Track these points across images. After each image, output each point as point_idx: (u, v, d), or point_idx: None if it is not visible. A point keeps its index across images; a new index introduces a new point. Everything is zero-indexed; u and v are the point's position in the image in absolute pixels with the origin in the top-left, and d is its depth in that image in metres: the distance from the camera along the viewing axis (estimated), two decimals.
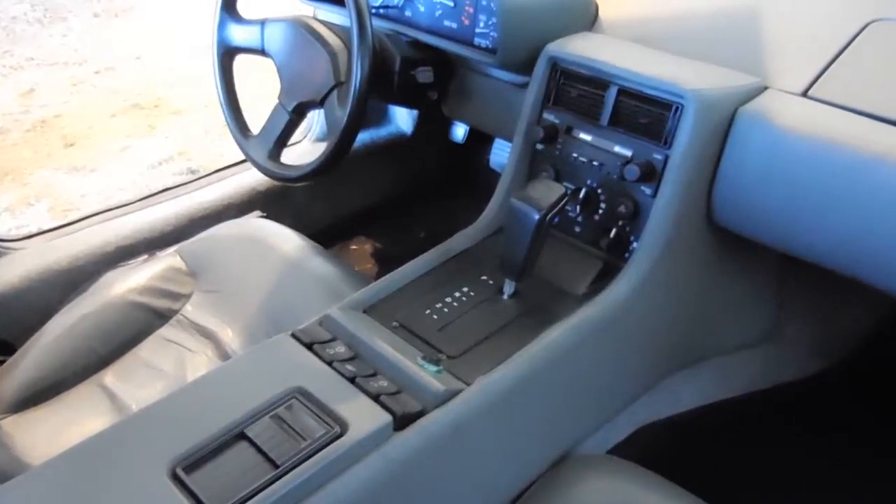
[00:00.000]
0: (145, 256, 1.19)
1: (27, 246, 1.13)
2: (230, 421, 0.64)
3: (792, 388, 1.09)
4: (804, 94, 0.81)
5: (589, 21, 0.98)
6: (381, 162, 1.50)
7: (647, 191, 0.83)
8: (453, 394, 0.69)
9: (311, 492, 0.60)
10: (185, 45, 2.54)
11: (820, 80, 0.81)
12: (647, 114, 0.83)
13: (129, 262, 1.18)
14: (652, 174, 0.83)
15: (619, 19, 0.98)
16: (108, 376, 0.99)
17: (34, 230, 1.19)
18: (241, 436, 0.63)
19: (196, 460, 0.61)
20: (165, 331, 1.05)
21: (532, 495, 0.78)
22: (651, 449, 0.93)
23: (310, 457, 0.61)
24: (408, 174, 1.55)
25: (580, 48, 0.89)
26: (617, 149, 0.86)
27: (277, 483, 0.59)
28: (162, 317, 1.06)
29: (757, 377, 1.07)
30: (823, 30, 0.84)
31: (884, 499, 1.00)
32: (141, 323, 1.05)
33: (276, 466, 0.60)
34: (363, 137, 1.47)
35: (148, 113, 2.33)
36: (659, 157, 0.82)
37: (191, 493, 0.58)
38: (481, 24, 0.96)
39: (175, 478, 0.59)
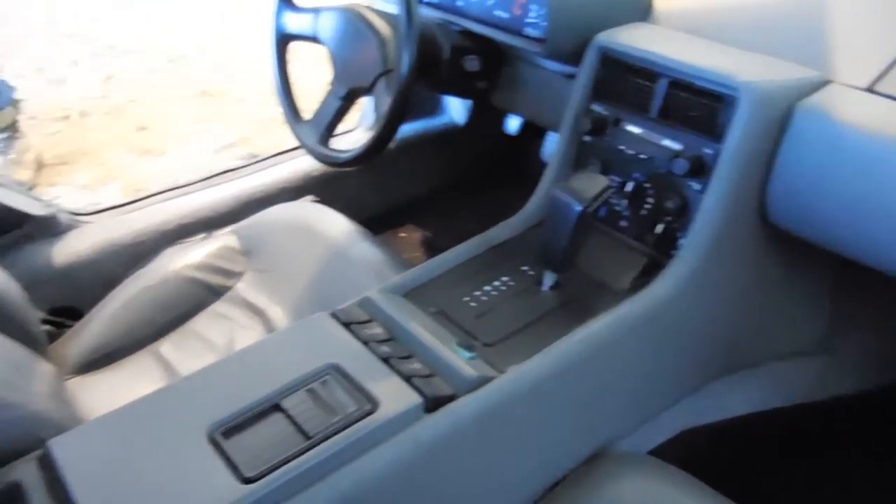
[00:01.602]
0: (203, 235, 1.24)
1: (97, 220, 1.20)
2: (267, 392, 0.67)
3: (847, 402, 1.05)
4: (869, 88, 0.77)
5: (642, 12, 0.96)
6: (434, 152, 1.51)
7: (697, 186, 0.82)
8: (485, 380, 0.70)
9: (339, 465, 0.61)
10: (256, 34, 2.61)
11: (888, 75, 0.77)
12: (699, 106, 0.81)
13: (188, 239, 1.23)
14: (702, 169, 0.81)
15: (675, 10, 0.96)
16: (164, 346, 1.04)
17: (104, 206, 1.26)
18: (277, 407, 0.65)
19: (233, 426, 0.64)
20: (218, 306, 1.09)
21: (565, 489, 0.77)
22: (693, 454, 0.91)
23: (340, 431, 0.63)
24: (459, 165, 1.56)
25: (631, 38, 0.88)
26: (666, 142, 0.84)
27: (308, 453, 0.61)
28: (216, 293, 1.11)
29: (810, 388, 1.03)
30: (891, 21, 0.80)
31: None
32: (196, 297, 1.10)
33: (308, 438, 0.62)
34: (416, 127, 1.49)
35: (214, 100, 2.41)
36: (710, 151, 0.80)
37: (226, 457, 0.61)
38: (532, 14, 0.95)
39: (213, 441, 0.62)
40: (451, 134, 1.51)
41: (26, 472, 0.62)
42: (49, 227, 1.13)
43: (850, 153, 0.73)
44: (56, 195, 1.90)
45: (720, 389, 0.95)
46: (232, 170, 1.36)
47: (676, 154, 0.83)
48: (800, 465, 1.02)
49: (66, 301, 1.14)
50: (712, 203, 0.79)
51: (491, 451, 0.71)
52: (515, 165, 1.58)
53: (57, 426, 0.70)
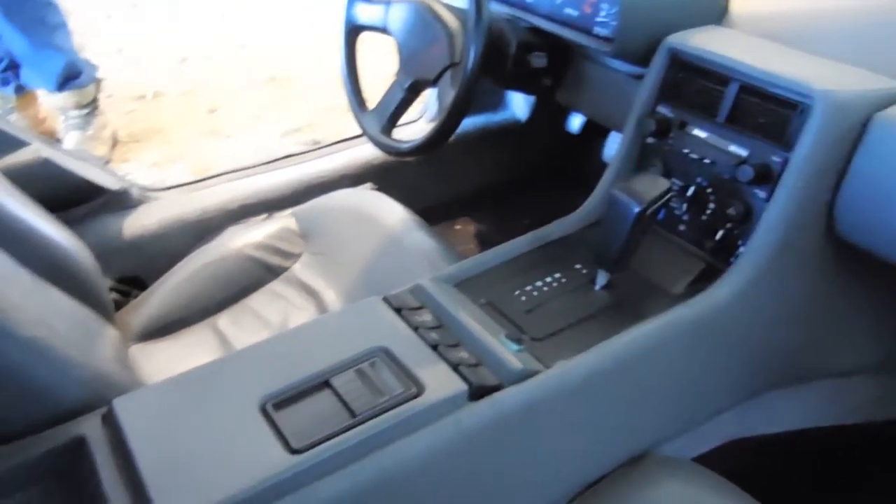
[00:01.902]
0: (264, 216, 1.28)
1: (166, 196, 1.25)
2: (318, 369, 0.69)
3: None
4: None
5: (717, 15, 0.94)
6: (493, 147, 1.52)
7: (762, 194, 0.80)
8: (531, 374, 0.70)
9: (383, 444, 0.63)
10: (327, 25, 2.67)
11: None
12: (769, 113, 0.79)
13: (250, 219, 1.27)
14: (768, 177, 0.79)
15: (752, 14, 0.94)
16: (222, 320, 1.08)
17: (172, 183, 1.31)
18: (326, 384, 0.67)
19: (284, 399, 0.66)
20: (275, 285, 1.12)
21: (603, 489, 0.77)
22: (740, 465, 0.88)
23: (386, 411, 0.64)
24: (518, 161, 1.56)
25: (702, 41, 0.86)
26: (732, 148, 0.83)
27: (353, 430, 0.62)
28: (273, 272, 1.14)
29: (869, 407, 0.99)
30: None
31: None
32: (254, 276, 1.13)
33: (354, 416, 0.64)
34: (477, 121, 1.49)
35: (282, 86, 2.47)
36: (777, 159, 0.78)
37: (276, 428, 0.63)
38: (602, 13, 0.95)
39: (264, 412, 0.64)
40: (512, 130, 1.51)
41: (91, 428, 0.65)
42: (122, 201, 1.19)
43: None
44: (128, 171, 1.98)
45: (773, 401, 0.93)
46: (295, 154, 1.40)
47: (742, 160, 0.81)
48: (850, 488, 0.99)
49: (133, 271, 1.19)
50: (777, 212, 0.77)
51: (531, 444, 0.72)
52: (575, 165, 1.57)
53: (120, 387, 0.74)
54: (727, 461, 0.90)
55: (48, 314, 0.74)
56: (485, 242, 1.51)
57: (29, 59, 1.96)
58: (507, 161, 1.56)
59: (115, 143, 2.15)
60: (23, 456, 0.62)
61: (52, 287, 0.86)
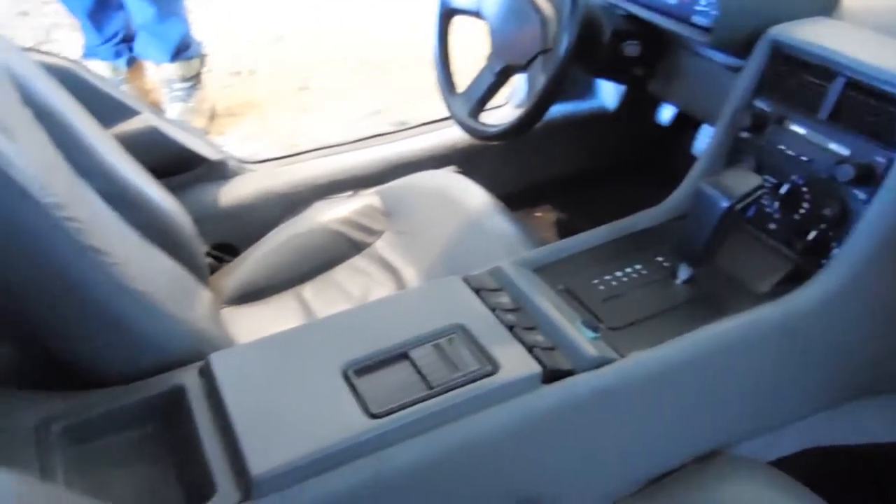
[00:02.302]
0: (350, 193, 1.32)
1: (259, 169, 1.31)
2: (398, 341, 0.71)
3: None
4: None
5: (826, 6, 0.90)
6: (580, 135, 1.50)
7: (861, 195, 0.77)
8: (605, 361, 0.70)
9: (456, 417, 0.65)
10: (420, 10, 2.70)
11: None
12: (876, 110, 0.76)
13: (337, 195, 1.32)
14: (870, 177, 0.76)
15: (866, 7, 0.89)
16: (306, 290, 1.13)
17: (265, 157, 1.37)
18: (405, 356, 0.70)
19: (364, 367, 0.69)
20: (357, 260, 1.16)
21: (671, 483, 0.77)
22: (819, 474, 0.86)
23: (460, 386, 0.66)
24: (604, 150, 1.54)
25: (809, 34, 0.83)
26: (833, 146, 0.80)
27: (429, 401, 0.65)
28: (356, 247, 1.18)
29: None
30: None
31: None
32: (338, 250, 1.18)
33: (431, 388, 0.66)
34: (564, 108, 1.48)
35: (373, 67, 2.52)
36: (881, 159, 0.75)
37: (357, 393, 0.66)
38: (702, 2, 0.92)
39: (346, 378, 0.68)
40: (599, 118, 1.49)
41: (189, 378, 0.70)
42: (219, 171, 1.26)
43: None
44: (223, 143, 2.08)
45: (861, 410, 0.89)
46: (382, 134, 1.43)
47: (843, 159, 0.78)
48: None
49: (227, 238, 1.26)
50: (877, 214, 0.74)
51: (601, 431, 0.72)
52: (662, 158, 1.54)
53: (215, 344, 0.79)
54: (806, 469, 0.87)
55: (155, 273, 0.80)
56: (564, 231, 1.50)
57: (152, 28, 2.07)
58: (592, 150, 1.54)
59: (213, 116, 2.25)
60: (131, 398, 0.68)
61: (155, 248, 0.92)
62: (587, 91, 1.50)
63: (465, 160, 1.38)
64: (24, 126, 0.75)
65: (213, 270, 1.19)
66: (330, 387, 0.67)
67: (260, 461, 0.60)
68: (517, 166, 1.45)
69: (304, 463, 0.61)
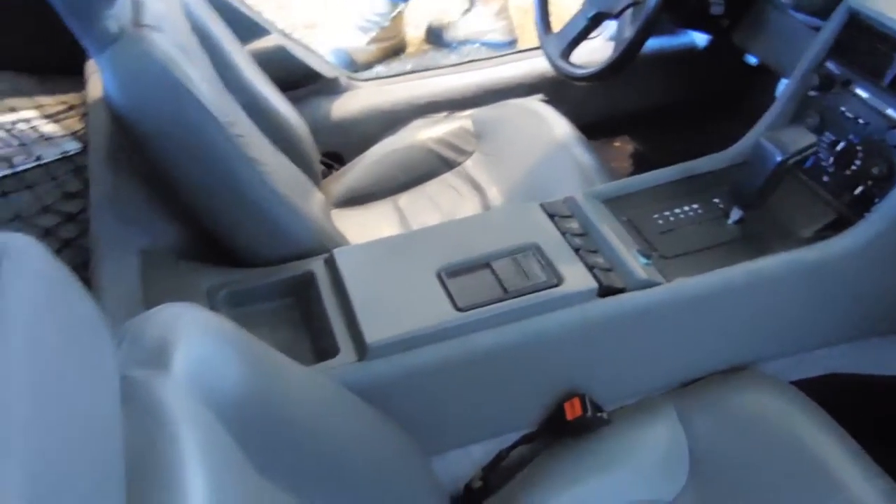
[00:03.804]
0: (445, 114, 1.46)
1: (367, 87, 1.46)
2: (483, 253, 0.88)
3: None
4: None
5: None
6: (667, 69, 1.56)
7: None
8: (653, 284, 0.85)
9: (525, 317, 0.82)
10: None
11: None
12: None
13: (434, 115, 1.46)
14: None
15: None
16: (402, 199, 1.30)
17: (372, 76, 1.51)
18: (488, 265, 0.87)
19: (454, 271, 0.86)
20: (448, 177, 1.32)
21: (701, 387, 0.92)
22: (837, 398, 0.98)
23: (530, 293, 0.83)
24: (690, 86, 1.59)
25: (883, 4, 0.89)
26: (890, 111, 0.87)
27: (504, 303, 0.82)
28: (448, 165, 1.33)
29: None
30: None
31: None
32: (432, 165, 1.33)
33: (507, 292, 0.83)
34: (654, 43, 1.53)
35: None
36: None
37: (447, 291, 0.84)
38: None
39: (440, 278, 0.85)
40: (689, 55, 1.54)
41: (318, 266, 0.90)
42: (333, 87, 1.41)
43: None
44: None
45: (885, 345, 0.99)
46: (477, 60, 1.54)
47: (894, 125, 0.86)
48: None
49: (336, 148, 1.43)
50: None
51: (643, 341, 0.88)
52: (747, 97, 1.58)
53: (335, 241, 0.98)
54: (826, 392, 1.00)
55: (290, 178, 0.99)
56: (640, 162, 1.59)
57: None
58: (678, 85, 1.60)
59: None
60: (275, 277, 0.88)
61: (283, 155, 1.10)
62: (678, 27, 1.54)
63: (553, 89, 1.48)
64: (196, 51, 0.93)
65: (323, 176, 1.37)
66: (427, 284, 0.85)
67: (373, 333, 0.79)
68: (602, 97, 1.53)
69: (405, 338, 0.79)
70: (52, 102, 1.08)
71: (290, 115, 1.22)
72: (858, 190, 0.91)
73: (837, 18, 0.93)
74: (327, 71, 1.40)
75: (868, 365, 1.01)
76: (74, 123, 1.05)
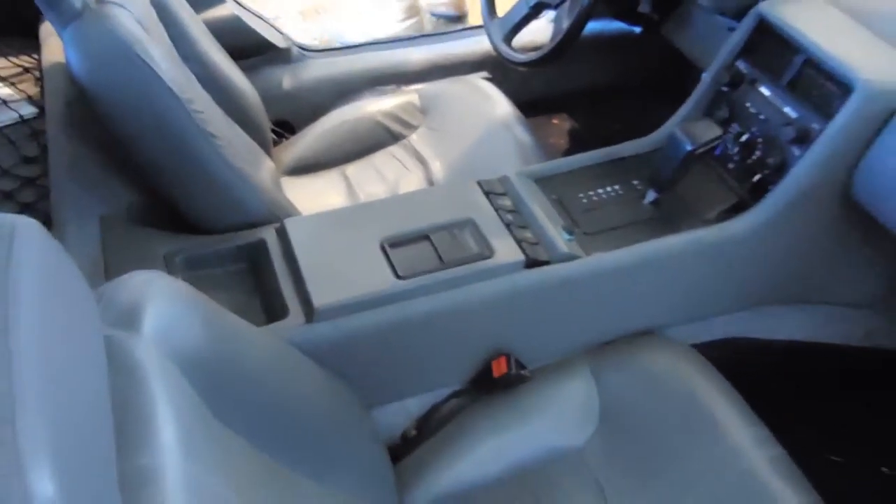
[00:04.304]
0: (393, 87, 1.52)
1: (318, 58, 1.50)
2: (423, 225, 0.96)
3: (890, 356, 1.20)
4: None
5: None
6: (606, 53, 1.64)
7: (797, 152, 0.97)
8: (573, 257, 0.95)
9: (458, 285, 0.91)
10: None
11: None
12: (821, 87, 0.94)
13: (382, 87, 1.52)
14: (805, 139, 0.95)
15: None
16: (350, 169, 1.37)
17: (326, 47, 1.56)
18: (427, 237, 0.95)
19: (397, 242, 0.94)
20: (395, 149, 1.39)
21: (611, 349, 1.03)
22: (731, 358, 1.10)
23: (464, 263, 0.92)
24: (626, 70, 1.68)
25: (789, 13, 0.99)
26: (786, 109, 0.99)
27: (440, 272, 0.91)
28: (395, 137, 1.41)
29: (856, 334, 1.18)
30: None
31: None
32: (379, 137, 1.40)
33: (443, 262, 0.92)
34: (594, 27, 1.62)
35: None
36: (817, 126, 0.94)
37: (389, 260, 0.92)
38: None
39: (383, 249, 0.94)
40: (626, 40, 1.62)
41: (269, 234, 0.97)
42: (285, 57, 1.46)
43: None
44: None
45: (776, 313, 1.12)
46: (427, 35, 1.60)
47: (789, 121, 0.97)
48: (823, 397, 1.20)
49: (286, 117, 1.48)
50: (804, 170, 0.95)
51: (563, 308, 0.98)
52: (679, 81, 1.69)
53: (285, 211, 1.04)
54: (723, 353, 1.13)
55: (243, 150, 1.04)
56: (576, 140, 1.69)
57: None
58: (615, 68, 1.69)
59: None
60: (227, 244, 0.95)
61: (237, 126, 1.15)
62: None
63: (497, 67, 1.55)
64: (155, 24, 0.97)
65: (274, 144, 1.42)
66: (371, 253, 0.93)
67: (320, 297, 0.87)
68: (543, 76, 1.61)
69: (350, 303, 0.88)
70: (7, 65, 1.10)
71: (244, 84, 1.27)
72: (757, 177, 1.02)
73: (748, 22, 1.03)
74: (279, 41, 1.44)
75: (760, 330, 1.15)
76: (29, 87, 1.08)
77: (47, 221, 0.89)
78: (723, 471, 0.86)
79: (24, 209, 0.92)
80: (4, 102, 1.03)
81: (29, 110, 1.04)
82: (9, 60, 1.11)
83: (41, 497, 0.32)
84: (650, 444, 0.91)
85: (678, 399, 0.94)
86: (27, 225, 0.41)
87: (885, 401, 1.19)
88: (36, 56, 1.13)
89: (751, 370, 1.05)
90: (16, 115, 1.02)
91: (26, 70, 1.11)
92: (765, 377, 1.10)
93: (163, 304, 0.60)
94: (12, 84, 1.07)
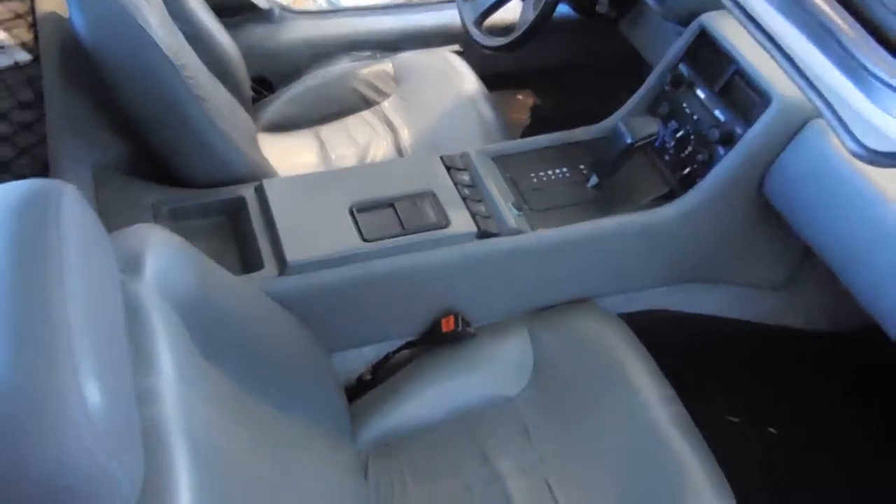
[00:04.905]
0: (369, 54, 1.60)
1: (300, 19, 1.57)
2: (389, 194, 1.07)
3: (791, 333, 1.37)
4: None
5: None
6: (572, 34, 1.74)
7: (721, 151, 1.10)
8: (520, 231, 1.08)
9: (416, 250, 1.03)
10: None
11: None
12: (746, 96, 1.07)
13: (359, 53, 1.60)
14: (729, 140, 1.09)
15: None
16: (324, 131, 1.45)
17: (306, 9, 1.62)
18: (391, 205, 1.06)
19: (364, 207, 1.05)
20: (366, 114, 1.48)
21: (549, 313, 1.17)
22: (654, 326, 1.25)
23: (422, 231, 1.04)
24: (590, 51, 1.78)
25: (725, 26, 1.11)
26: (716, 112, 1.12)
27: (402, 237, 1.02)
28: (367, 103, 1.49)
29: (764, 313, 1.34)
30: None
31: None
32: (353, 102, 1.49)
33: (404, 228, 1.04)
34: (564, 9, 1.71)
35: None
36: (739, 130, 1.07)
37: (357, 224, 1.03)
38: None
39: (351, 213, 1.05)
40: (593, 24, 1.72)
41: (248, 192, 1.07)
42: (266, 17, 1.52)
43: (826, 172, 0.98)
44: None
45: (695, 290, 1.27)
46: (403, 5, 1.67)
47: (717, 124, 1.10)
48: (728, 366, 1.37)
49: (265, 74, 1.55)
50: (726, 167, 1.08)
51: (510, 276, 1.11)
52: (638, 67, 1.80)
53: (264, 170, 1.14)
54: (647, 322, 1.28)
55: (227, 110, 1.13)
56: (536, 116, 1.80)
57: None
58: (580, 49, 1.79)
59: None
60: (207, 199, 1.05)
61: (220, 84, 1.23)
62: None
63: (468, 40, 1.64)
64: None
65: (253, 101, 1.50)
66: (340, 216, 1.04)
67: (293, 253, 0.98)
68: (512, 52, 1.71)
69: (319, 260, 0.99)
70: (0, 9, 1.15)
71: (227, 43, 1.34)
72: (687, 170, 1.15)
73: (691, 30, 1.15)
74: (262, 2, 1.50)
75: (680, 304, 1.30)
76: (23, 33, 1.14)
77: (45, 167, 0.97)
78: (631, 422, 1.01)
79: (23, 153, 1.00)
80: (1, 46, 1.09)
81: (23, 56, 1.10)
82: (2, 5, 1.16)
83: (92, 401, 0.43)
84: (573, 396, 1.06)
85: (599, 360, 1.08)
86: (68, 190, 0.51)
87: (779, 370, 1.36)
88: (28, 1, 1.18)
89: (669, 338, 1.21)
90: (11, 61, 1.08)
91: (18, 16, 1.17)
92: (681, 345, 1.26)
93: (161, 253, 0.71)
94: (6, 29, 1.13)
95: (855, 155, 0.66)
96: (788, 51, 0.68)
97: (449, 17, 1.67)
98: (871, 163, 0.66)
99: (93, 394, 0.43)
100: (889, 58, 0.59)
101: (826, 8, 0.64)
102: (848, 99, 0.61)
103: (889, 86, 0.56)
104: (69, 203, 0.50)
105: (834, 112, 0.66)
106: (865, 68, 0.58)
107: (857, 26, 0.61)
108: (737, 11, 0.77)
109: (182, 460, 0.57)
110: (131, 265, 0.68)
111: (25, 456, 0.40)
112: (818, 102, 0.69)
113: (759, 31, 0.73)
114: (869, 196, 0.92)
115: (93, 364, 0.45)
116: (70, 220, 0.49)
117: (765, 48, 0.78)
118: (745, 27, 0.81)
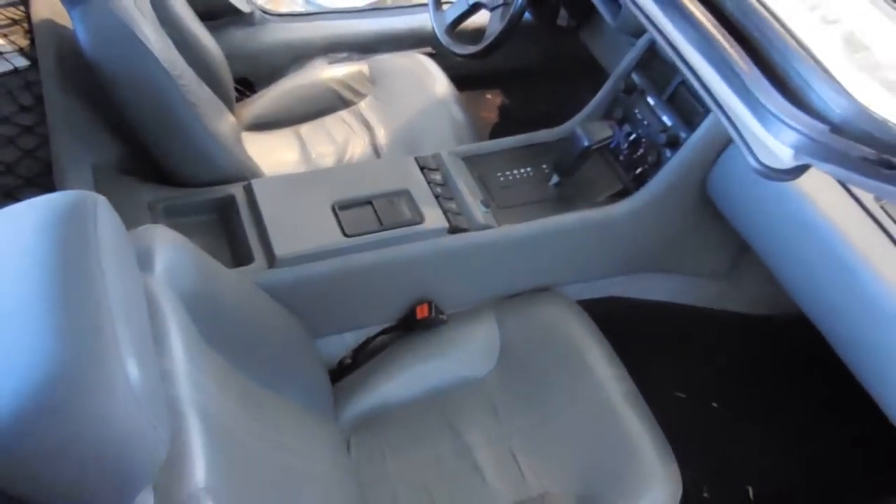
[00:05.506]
0: (346, 55, 1.68)
1: (280, 22, 1.65)
2: (368, 193, 1.17)
3: (734, 317, 1.50)
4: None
5: None
6: (539, 37, 1.84)
7: (668, 154, 1.22)
8: (488, 227, 1.18)
9: (393, 244, 1.13)
10: None
11: None
12: (690, 104, 1.19)
13: (336, 54, 1.68)
14: (675, 144, 1.20)
15: None
16: (303, 129, 1.54)
17: (287, 11, 1.70)
18: (370, 202, 1.16)
19: (345, 205, 1.15)
20: (344, 114, 1.57)
21: (515, 300, 1.28)
22: (611, 312, 1.37)
23: (399, 227, 1.13)
24: (557, 54, 1.89)
25: None
26: (664, 118, 1.23)
27: (379, 233, 1.12)
28: (345, 103, 1.58)
29: (710, 299, 1.47)
30: None
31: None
32: (331, 102, 1.57)
33: (381, 224, 1.13)
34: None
35: None
36: (684, 135, 1.19)
37: (339, 221, 1.13)
38: None
39: (333, 210, 1.14)
40: (559, 29, 1.83)
41: (237, 191, 1.15)
42: (248, 20, 1.59)
43: (757, 177, 1.10)
44: None
45: (649, 278, 1.40)
46: (379, 8, 1.76)
47: (665, 128, 1.22)
48: (678, 346, 1.49)
49: (247, 75, 1.63)
50: (672, 168, 1.20)
51: (478, 267, 1.22)
52: (602, 71, 1.91)
53: (251, 171, 1.23)
54: (604, 309, 1.40)
55: (217, 114, 1.21)
56: (505, 115, 1.90)
57: None
58: (548, 52, 1.89)
59: None
60: (199, 197, 1.13)
61: (207, 87, 1.31)
62: None
63: (441, 43, 1.73)
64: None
65: (236, 101, 1.58)
66: (323, 213, 1.13)
67: (281, 248, 1.08)
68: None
69: (305, 254, 1.09)
70: None
71: (212, 46, 1.42)
72: (638, 170, 1.27)
73: (642, 42, 1.26)
74: (243, 5, 1.58)
75: (634, 291, 1.43)
76: (19, 39, 1.20)
77: (48, 168, 1.05)
78: (587, 400, 1.13)
79: (26, 155, 1.07)
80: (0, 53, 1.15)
81: (21, 62, 1.17)
82: None
83: (133, 376, 0.52)
84: (535, 377, 1.17)
85: (560, 343, 1.20)
86: (101, 200, 0.60)
87: (722, 350, 1.50)
88: (23, 9, 1.25)
89: (624, 322, 1.33)
90: (9, 66, 1.15)
91: (14, 22, 1.23)
92: (634, 328, 1.38)
93: (168, 250, 0.80)
94: (4, 35, 1.19)
95: (755, 170, 0.78)
96: (704, 81, 0.80)
97: (422, 20, 1.76)
98: (767, 177, 0.78)
99: (133, 370, 0.53)
100: (775, 93, 0.70)
101: (730, 49, 0.75)
102: (748, 124, 0.72)
103: (776, 116, 0.68)
104: (103, 211, 0.59)
105: (739, 134, 0.77)
106: (758, 101, 0.70)
107: (753, 65, 0.73)
108: (662, 41, 0.88)
109: (195, 431, 0.67)
110: (143, 261, 0.77)
111: (83, 421, 0.49)
112: (727, 125, 0.81)
113: (680, 61, 0.84)
114: (790, 193, 1.04)
115: (131, 346, 0.54)
116: (105, 225, 0.58)
117: (685, 76, 0.89)
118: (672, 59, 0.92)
